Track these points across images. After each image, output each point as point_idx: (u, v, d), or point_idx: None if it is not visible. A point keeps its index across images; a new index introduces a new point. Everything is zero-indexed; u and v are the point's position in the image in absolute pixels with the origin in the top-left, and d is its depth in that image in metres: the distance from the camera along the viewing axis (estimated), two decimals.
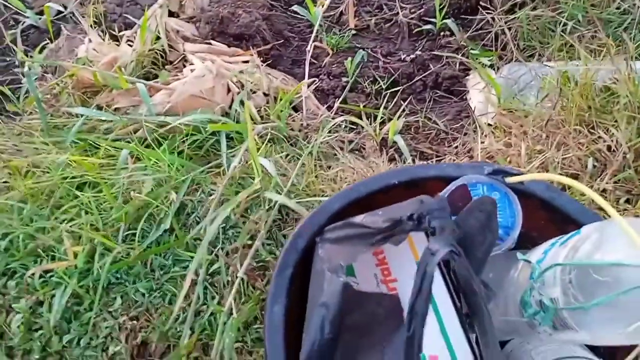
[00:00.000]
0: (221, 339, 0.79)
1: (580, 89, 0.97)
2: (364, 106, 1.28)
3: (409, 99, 1.33)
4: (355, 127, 1.22)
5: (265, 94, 1.21)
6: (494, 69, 1.32)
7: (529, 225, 0.61)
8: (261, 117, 1.14)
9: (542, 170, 0.90)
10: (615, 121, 0.92)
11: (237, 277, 0.82)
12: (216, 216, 0.82)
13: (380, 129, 1.18)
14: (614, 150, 0.91)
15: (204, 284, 0.85)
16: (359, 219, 0.51)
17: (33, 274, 0.84)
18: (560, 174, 0.87)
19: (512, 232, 0.57)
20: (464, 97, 1.34)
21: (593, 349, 0.59)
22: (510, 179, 0.58)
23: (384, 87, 1.33)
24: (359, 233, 0.50)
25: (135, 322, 0.82)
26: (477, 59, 1.30)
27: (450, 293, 0.53)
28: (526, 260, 0.51)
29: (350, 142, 1.17)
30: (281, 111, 1.10)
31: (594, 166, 0.89)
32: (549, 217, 0.60)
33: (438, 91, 1.36)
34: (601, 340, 0.44)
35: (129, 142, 1.02)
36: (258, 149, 0.99)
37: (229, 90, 1.15)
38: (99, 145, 1.02)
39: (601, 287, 0.40)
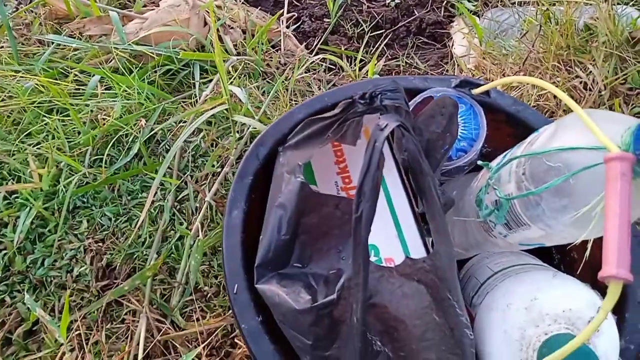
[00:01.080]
0: (187, 261, 0.78)
1: (560, 28, 0.96)
2: (345, 49, 1.26)
3: (391, 44, 1.31)
4: (334, 68, 1.21)
5: (243, 31, 1.18)
6: (478, 17, 1.30)
7: (494, 142, 0.61)
8: (238, 53, 1.12)
9: None
10: (594, 60, 0.92)
11: (205, 202, 0.81)
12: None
13: (360, 71, 1.16)
14: (590, 88, 0.90)
15: (172, 211, 0.84)
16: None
17: None
18: (534, 106, 0.86)
19: (475, 144, 0.57)
20: (447, 44, 1.32)
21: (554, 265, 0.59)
22: (476, 90, 0.57)
23: (366, 30, 1.31)
24: (316, 128, 0.49)
25: (100, 244, 0.82)
26: (461, 2, 1.28)
27: (409, 197, 0.53)
28: (485, 164, 0.50)
29: (329, 82, 1.15)
30: (257, 45, 1.07)
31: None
32: (514, 133, 0.60)
33: (421, 37, 1.34)
34: (554, 236, 0.43)
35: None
36: (231, 79, 0.97)
37: (205, 23, 1.12)
38: (69, 72, 0.99)
39: (553, 174, 0.39)
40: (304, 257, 0.52)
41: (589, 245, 0.40)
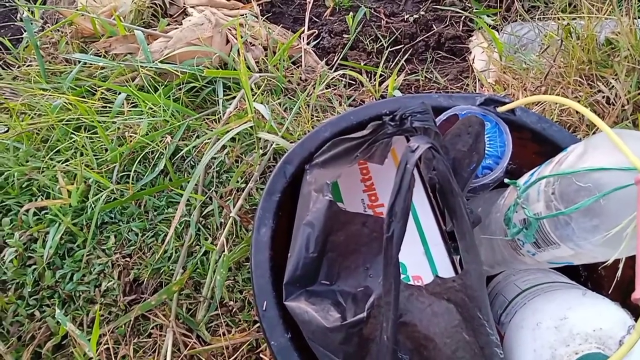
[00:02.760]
0: (212, 276, 0.79)
1: (581, 42, 0.96)
2: (365, 64, 1.27)
3: (410, 59, 1.32)
4: (354, 83, 1.22)
5: (264, 48, 1.20)
6: (497, 31, 1.31)
7: (520, 159, 0.61)
8: (260, 70, 1.14)
9: None
10: (616, 74, 0.91)
11: (229, 217, 0.83)
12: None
13: (380, 86, 1.17)
14: (612, 103, 0.90)
15: (197, 226, 0.86)
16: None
17: (27, 211, 0.85)
18: (557, 121, 0.86)
19: (501, 161, 0.57)
20: (466, 58, 1.33)
21: (581, 282, 0.59)
22: (501, 108, 0.57)
23: (385, 45, 1.32)
24: (344, 148, 0.50)
25: (128, 259, 0.83)
26: (480, 17, 1.28)
27: (436, 215, 0.53)
28: (513, 183, 0.51)
29: (349, 97, 1.16)
30: (279, 61, 1.09)
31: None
32: (539, 150, 0.60)
33: (440, 52, 1.35)
34: (583, 254, 0.43)
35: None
36: (255, 96, 0.99)
37: (227, 41, 1.14)
38: (96, 90, 1.02)
39: (583, 194, 0.39)
40: (332, 274, 0.52)
41: (621, 265, 0.40)
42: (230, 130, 0.83)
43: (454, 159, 0.52)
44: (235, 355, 0.74)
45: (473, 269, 0.43)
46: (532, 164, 0.60)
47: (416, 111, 0.45)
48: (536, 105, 0.93)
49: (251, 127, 0.85)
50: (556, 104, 0.95)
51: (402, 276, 0.52)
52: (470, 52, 1.31)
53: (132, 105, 1.01)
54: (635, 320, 0.41)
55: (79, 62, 1.08)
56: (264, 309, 0.53)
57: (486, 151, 0.57)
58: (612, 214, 0.38)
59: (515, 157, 0.59)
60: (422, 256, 0.52)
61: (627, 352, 0.34)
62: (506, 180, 0.52)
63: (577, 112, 0.91)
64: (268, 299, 0.53)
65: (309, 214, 0.52)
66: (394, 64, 1.28)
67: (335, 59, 1.27)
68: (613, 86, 0.90)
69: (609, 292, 0.55)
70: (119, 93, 1.00)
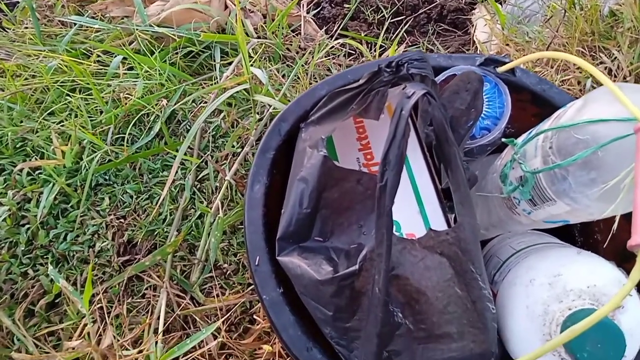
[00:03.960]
0: (207, 239, 0.79)
1: (585, 13, 0.94)
2: (365, 35, 1.25)
3: (411, 31, 1.30)
4: (354, 53, 1.20)
5: (264, 16, 1.19)
6: (501, 4, 1.29)
7: (519, 122, 0.60)
8: (258, 36, 1.12)
9: None
10: (618, 46, 0.90)
11: (225, 181, 0.82)
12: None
13: (380, 57, 1.16)
14: (615, 74, 0.89)
15: (192, 189, 0.85)
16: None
17: (21, 170, 0.84)
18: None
19: (499, 122, 0.56)
20: (468, 31, 1.31)
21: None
22: (501, 68, 0.57)
23: (386, 16, 1.30)
24: (340, 102, 0.49)
25: (122, 221, 0.83)
26: None
27: (431, 174, 0.53)
28: (510, 141, 0.50)
29: (348, 67, 1.14)
30: (277, 28, 1.07)
31: (593, 87, 0.87)
32: (539, 112, 0.59)
33: (442, 24, 1.33)
34: (579, 210, 0.43)
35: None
36: (252, 61, 0.97)
37: (226, 7, 1.12)
38: (92, 53, 1.01)
39: (581, 146, 0.39)
40: (325, 231, 0.52)
41: (617, 219, 0.39)
42: (227, 90, 0.81)
43: (452, 117, 0.51)
44: (228, 316, 0.74)
45: (467, 222, 0.43)
46: (531, 126, 0.59)
47: (413, 58, 0.44)
48: (537, 73, 0.92)
49: (247, 90, 0.84)
50: (557, 73, 0.94)
51: (396, 234, 0.51)
52: (473, 25, 1.30)
53: (127, 68, 0.99)
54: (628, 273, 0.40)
55: (75, 24, 1.07)
56: (256, 264, 0.52)
57: (485, 112, 0.56)
58: (609, 166, 0.38)
59: (514, 119, 0.58)
60: (417, 215, 0.52)
61: (622, 299, 0.34)
62: (503, 140, 0.52)
63: (578, 82, 0.90)
64: (261, 255, 0.53)
65: (303, 170, 0.51)
66: (395, 35, 1.26)
67: (335, 29, 1.25)
68: (615, 57, 0.89)
69: (605, 256, 0.55)
70: (115, 56, 0.98)
